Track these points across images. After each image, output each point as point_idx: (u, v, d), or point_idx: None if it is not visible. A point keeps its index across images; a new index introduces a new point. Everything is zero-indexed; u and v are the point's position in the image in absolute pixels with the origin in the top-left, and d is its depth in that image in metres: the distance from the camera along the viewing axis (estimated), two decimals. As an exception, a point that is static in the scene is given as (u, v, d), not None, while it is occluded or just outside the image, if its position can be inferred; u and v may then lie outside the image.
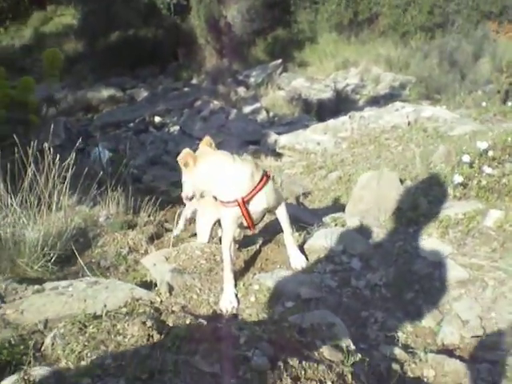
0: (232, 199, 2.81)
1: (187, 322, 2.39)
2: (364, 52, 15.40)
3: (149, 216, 4.70)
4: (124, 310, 2.50)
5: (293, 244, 3.17)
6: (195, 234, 3.80)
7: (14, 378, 1.87)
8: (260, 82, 14.56)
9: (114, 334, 2.19)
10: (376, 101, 12.11)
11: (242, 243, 3.57)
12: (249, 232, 3.44)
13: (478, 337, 2.57)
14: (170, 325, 2.36)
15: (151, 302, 2.69)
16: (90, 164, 6.26)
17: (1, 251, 3.36)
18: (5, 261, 3.31)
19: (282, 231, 3.16)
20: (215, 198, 2.95)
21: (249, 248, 3.51)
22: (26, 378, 1.86)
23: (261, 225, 3.64)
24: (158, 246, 4.08)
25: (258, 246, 3.52)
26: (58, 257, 3.55)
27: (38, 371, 1.90)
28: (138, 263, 3.69)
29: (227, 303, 2.78)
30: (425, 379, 2.25)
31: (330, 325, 2.33)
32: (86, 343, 2.12)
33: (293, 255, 3.15)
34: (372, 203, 3.93)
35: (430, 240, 3.36)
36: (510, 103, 8.07)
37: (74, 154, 4.01)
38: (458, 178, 3.79)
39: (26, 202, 3.68)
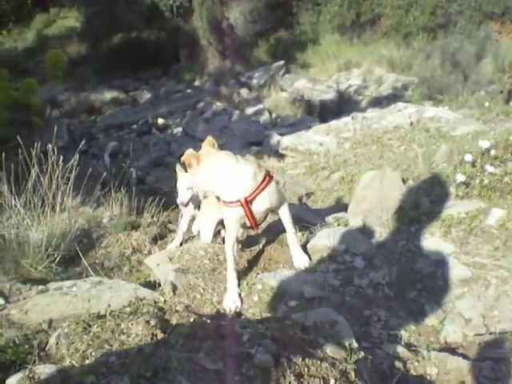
0: (235, 199, 2.82)
1: (191, 320, 2.40)
2: (366, 53, 15.35)
3: (152, 217, 4.72)
4: (128, 309, 2.52)
5: (296, 244, 3.18)
6: (194, 237, 3.82)
7: (19, 375, 1.89)
8: (262, 84, 14.53)
9: (118, 333, 2.20)
10: (378, 101, 12.07)
11: (245, 243, 3.58)
12: (252, 232, 3.46)
13: (480, 335, 2.57)
14: (174, 324, 2.36)
15: (155, 302, 2.71)
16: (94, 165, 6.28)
17: (5, 252, 3.38)
18: (9, 262, 3.33)
19: (285, 231, 3.18)
20: (218, 198, 2.96)
21: (252, 248, 3.52)
22: (30, 375, 1.88)
23: (264, 225, 3.65)
24: (162, 246, 4.10)
25: (261, 245, 3.53)
26: (61, 257, 3.57)
27: (43, 369, 1.91)
28: (142, 264, 3.71)
29: (230, 302, 2.80)
30: (428, 377, 2.25)
31: (332, 323, 2.33)
32: (91, 342, 2.13)
33: (296, 255, 3.16)
34: (374, 203, 3.94)
35: (432, 239, 3.36)
36: (512, 103, 8.06)
37: (77, 156, 4.03)
38: (461, 177, 3.79)
39: (30, 203, 3.71)
